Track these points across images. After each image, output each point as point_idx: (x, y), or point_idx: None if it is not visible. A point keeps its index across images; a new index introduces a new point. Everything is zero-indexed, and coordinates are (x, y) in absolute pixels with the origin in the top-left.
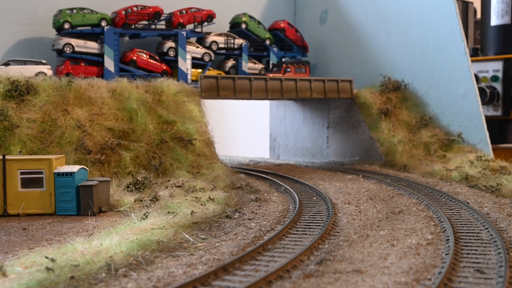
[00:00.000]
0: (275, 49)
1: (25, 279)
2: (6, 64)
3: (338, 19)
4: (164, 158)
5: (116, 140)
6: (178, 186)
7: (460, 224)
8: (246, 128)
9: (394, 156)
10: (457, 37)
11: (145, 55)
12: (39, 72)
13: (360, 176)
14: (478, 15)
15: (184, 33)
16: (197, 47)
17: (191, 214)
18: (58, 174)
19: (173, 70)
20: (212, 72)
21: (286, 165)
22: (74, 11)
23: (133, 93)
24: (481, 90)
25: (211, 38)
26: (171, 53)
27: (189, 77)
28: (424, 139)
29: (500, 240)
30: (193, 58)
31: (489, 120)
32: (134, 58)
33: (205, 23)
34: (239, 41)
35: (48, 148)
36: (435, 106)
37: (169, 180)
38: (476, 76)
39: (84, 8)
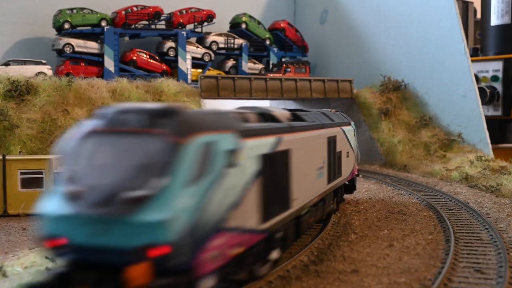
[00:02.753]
0: (275, 49)
1: (25, 280)
2: (6, 64)
3: (338, 19)
4: None
5: None
6: None
7: (460, 224)
8: None
9: (394, 156)
10: (457, 37)
11: (145, 55)
12: (39, 72)
13: (360, 176)
14: (478, 15)
15: (184, 33)
16: (197, 47)
17: None
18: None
19: (173, 70)
20: (212, 72)
21: None
22: (74, 11)
23: (133, 93)
24: (481, 90)
25: (211, 38)
26: (171, 53)
27: (189, 77)
28: (424, 139)
29: (500, 240)
30: (193, 58)
31: (489, 120)
32: (134, 58)
33: (205, 23)
34: (239, 41)
35: (48, 148)
36: (435, 106)
37: None
38: (476, 76)
39: (84, 8)
